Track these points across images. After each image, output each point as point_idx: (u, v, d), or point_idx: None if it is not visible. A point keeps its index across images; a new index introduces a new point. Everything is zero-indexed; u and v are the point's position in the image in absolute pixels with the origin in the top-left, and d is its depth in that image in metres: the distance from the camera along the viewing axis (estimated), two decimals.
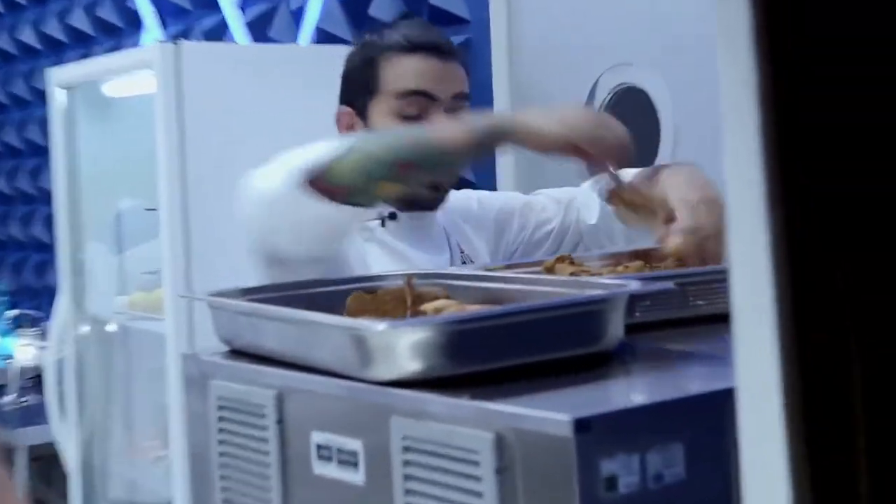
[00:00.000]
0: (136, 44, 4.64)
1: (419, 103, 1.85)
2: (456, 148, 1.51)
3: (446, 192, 1.94)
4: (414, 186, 1.66)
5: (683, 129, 2.79)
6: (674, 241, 1.49)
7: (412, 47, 1.87)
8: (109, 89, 3.76)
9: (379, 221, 1.93)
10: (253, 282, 1.69)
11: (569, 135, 1.49)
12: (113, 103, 3.82)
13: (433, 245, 1.95)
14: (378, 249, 1.89)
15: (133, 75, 3.45)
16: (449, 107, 1.86)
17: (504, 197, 2.13)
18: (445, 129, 1.53)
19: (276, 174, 1.54)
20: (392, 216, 1.93)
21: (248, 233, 1.62)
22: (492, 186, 3.05)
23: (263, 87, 3.20)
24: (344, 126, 1.93)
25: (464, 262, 1.94)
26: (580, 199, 2.01)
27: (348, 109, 1.93)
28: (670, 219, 1.52)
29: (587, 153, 1.52)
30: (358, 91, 1.91)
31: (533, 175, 3.01)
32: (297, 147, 1.57)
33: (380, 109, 1.87)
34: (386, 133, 1.62)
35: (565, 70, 3.06)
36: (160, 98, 3.09)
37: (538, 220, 2.03)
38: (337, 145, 1.54)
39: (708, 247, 1.48)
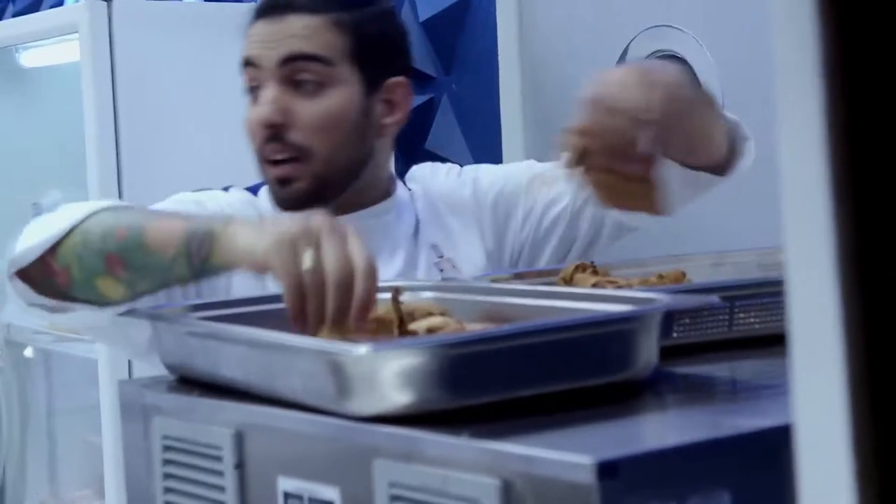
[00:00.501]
0: (58, 2, 4.64)
1: (249, 73, 1.84)
2: (168, 252, 1.44)
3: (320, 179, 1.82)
4: (137, 291, 1.53)
5: (730, 106, 2.80)
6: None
7: (255, 14, 1.87)
8: (26, 58, 3.76)
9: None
10: None
11: (253, 251, 1.36)
12: (30, 74, 3.82)
13: (381, 246, 1.83)
14: None
15: (55, 41, 3.45)
16: (280, 75, 1.81)
17: (508, 172, 2.04)
18: (166, 225, 1.47)
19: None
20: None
21: None
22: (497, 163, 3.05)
23: (214, 55, 3.20)
24: None
25: (441, 271, 1.89)
26: None
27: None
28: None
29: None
30: None
31: (546, 156, 3.02)
32: None
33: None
34: (124, 212, 1.56)
35: (588, 34, 3.06)
36: (88, 68, 3.09)
37: (546, 200, 1.96)
38: (83, 211, 1.54)
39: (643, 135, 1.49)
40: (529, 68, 3.15)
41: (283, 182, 1.80)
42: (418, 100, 3.10)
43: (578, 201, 1.93)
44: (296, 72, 1.81)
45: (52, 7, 4.53)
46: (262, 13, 1.85)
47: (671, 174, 1.65)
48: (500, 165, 2.18)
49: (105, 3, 3.11)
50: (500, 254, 1.96)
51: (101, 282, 1.51)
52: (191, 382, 1.28)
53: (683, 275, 1.53)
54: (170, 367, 1.33)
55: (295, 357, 1.14)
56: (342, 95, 1.82)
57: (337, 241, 1.28)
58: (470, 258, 1.93)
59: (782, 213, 0.67)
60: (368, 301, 1.26)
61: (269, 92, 1.80)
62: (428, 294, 1.42)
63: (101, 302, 1.53)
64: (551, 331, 1.13)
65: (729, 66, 2.80)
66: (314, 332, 1.25)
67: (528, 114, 3.14)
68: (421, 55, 3.20)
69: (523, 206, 1.96)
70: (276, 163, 1.80)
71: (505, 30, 3.17)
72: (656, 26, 2.93)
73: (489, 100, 3.19)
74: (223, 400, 1.20)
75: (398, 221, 1.92)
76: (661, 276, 1.53)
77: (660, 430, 1.12)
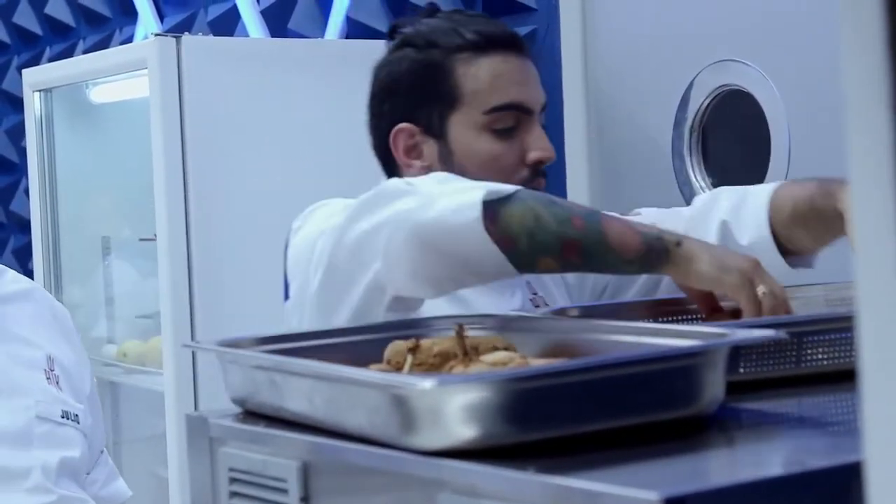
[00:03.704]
0: (128, 38, 4.70)
1: (513, 116, 1.90)
2: (627, 255, 1.55)
3: None
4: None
5: (796, 140, 2.79)
6: None
7: (487, 44, 1.89)
8: (95, 93, 3.81)
9: None
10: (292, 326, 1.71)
11: (720, 280, 1.54)
12: (100, 110, 3.87)
13: (502, 285, 1.89)
14: None
15: (124, 77, 3.49)
16: (538, 118, 1.92)
17: None
18: (620, 228, 1.56)
19: (443, 202, 1.55)
20: None
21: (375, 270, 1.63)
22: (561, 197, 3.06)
23: (282, 91, 3.23)
24: (402, 148, 1.92)
25: (536, 306, 1.92)
26: (689, 228, 1.94)
27: (409, 127, 1.92)
28: None
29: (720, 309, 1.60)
30: (423, 103, 1.91)
31: (612, 191, 3.02)
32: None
33: (463, 123, 1.89)
34: (555, 198, 1.61)
35: (652, 68, 3.06)
36: (157, 104, 3.12)
37: None
38: (494, 186, 1.56)
39: None
40: (594, 102, 3.15)
41: None
42: None
43: None
44: (541, 117, 1.94)
45: (121, 44, 4.59)
46: (512, 46, 1.92)
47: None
48: None
49: (174, 40, 3.15)
50: (581, 291, 1.98)
51: (544, 260, 1.56)
52: (257, 415, 1.29)
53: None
54: (236, 400, 1.33)
55: (360, 391, 1.14)
56: None
57: (771, 277, 1.53)
58: (554, 296, 1.97)
59: (853, 248, 0.67)
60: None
61: (541, 132, 1.92)
62: (493, 329, 1.42)
63: (523, 270, 1.59)
64: (617, 366, 1.12)
65: (795, 100, 2.79)
66: None
67: (592, 147, 3.14)
68: None
69: None
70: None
71: (569, 63, 3.18)
72: (721, 61, 2.92)
73: (554, 135, 3.18)
74: (289, 432, 1.21)
75: None
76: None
77: (726, 465, 1.12)
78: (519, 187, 1.58)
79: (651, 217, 2.01)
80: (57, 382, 2.11)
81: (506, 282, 1.89)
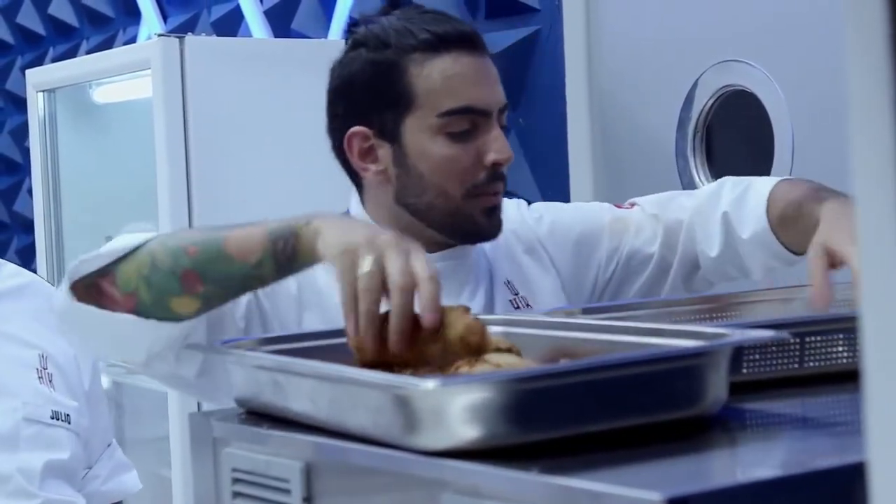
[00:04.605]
0: (131, 39, 4.70)
1: (468, 119, 1.82)
2: (252, 258, 1.50)
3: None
4: (209, 305, 1.58)
5: (800, 141, 2.79)
6: None
7: (440, 43, 1.82)
8: (99, 94, 3.81)
9: None
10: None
11: (334, 258, 1.42)
12: (103, 110, 3.87)
13: (459, 285, 1.87)
14: None
15: (128, 77, 3.49)
16: (497, 119, 1.84)
17: (586, 212, 2.04)
18: (243, 234, 1.52)
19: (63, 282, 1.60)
20: None
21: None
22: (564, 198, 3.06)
23: (285, 92, 3.23)
24: (357, 152, 1.86)
25: (516, 308, 1.88)
26: (695, 220, 1.94)
27: (363, 129, 1.85)
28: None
29: None
30: (375, 106, 1.85)
31: (616, 192, 3.02)
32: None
33: (417, 127, 1.83)
34: (183, 233, 1.61)
35: (656, 68, 3.06)
36: (160, 104, 3.13)
37: (634, 243, 1.96)
38: (137, 239, 1.57)
39: None
40: (597, 102, 3.15)
41: (493, 211, 1.85)
42: None
43: (671, 249, 1.95)
44: (501, 118, 1.87)
45: (125, 44, 4.59)
46: (467, 45, 1.86)
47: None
48: (575, 204, 2.22)
49: (177, 40, 3.15)
50: (579, 291, 1.96)
51: (174, 301, 1.54)
52: (260, 415, 1.29)
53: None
54: (240, 400, 1.33)
55: (363, 391, 1.14)
56: None
57: (401, 252, 1.36)
58: (543, 295, 1.93)
59: (857, 249, 0.67)
60: (434, 302, 1.31)
61: (499, 133, 1.84)
62: (496, 329, 1.42)
63: (169, 319, 1.56)
64: (620, 366, 1.12)
65: (799, 100, 2.78)
66: (362, 344, 1.31)
67: (596, 148, 3.14)
68: None
69: (608, 244, 1.97)
70: (491, 195, 1.85)
71: (573, 64, 3.18)
72: (725, 61, 2.92)
73: (557, 134, 3.19)
74: (292, 433, 1.21)
75: (478, 257, 1.93)
76: None
77: (729, 466, 1.12)
78: (152, 236, 1.59)
79: (649, 205, 2.00)
80: (50, 381, 2.09)
81: (462, 281, 1.87)
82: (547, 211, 2.03)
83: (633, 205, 2.01)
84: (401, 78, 1.82)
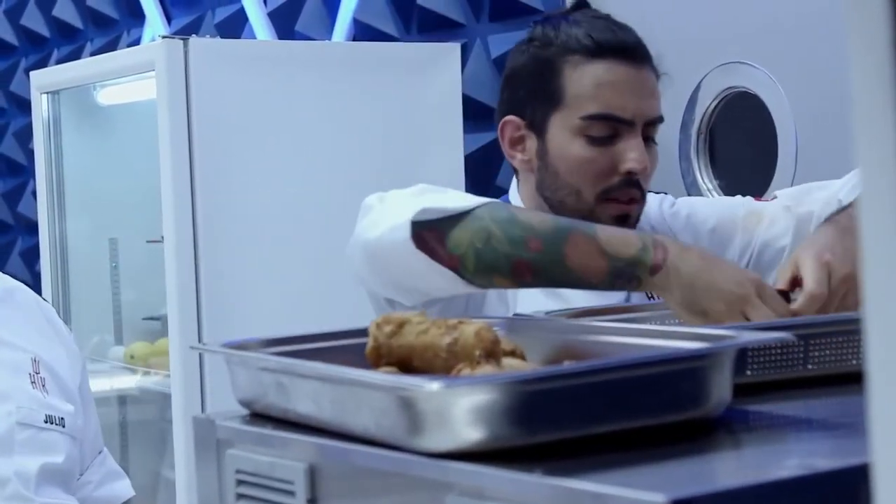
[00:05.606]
0: (135, 40, 4.71)
1: (609, 126, 1.90)
2: (590, 278, 1.57)
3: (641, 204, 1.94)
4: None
5: (803, 143, 2.79)
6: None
7: (598, 50, 1.90)
8: (103, 95, 3.82)
9: None
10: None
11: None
12: (107, 112, 3.88)
13: None
14: None
15: (132, 79, 3.49)
16: (642, 130, 1.90)
17: (723, 206, 2.11)
18: (585, 250, 1.57)
19: (386, 221, 1.62)
20: None
21: (358, 282, 1.76)
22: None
23: (289, 93, 3.23)
24: (508, 139, 1.99)
25: (650, 298, 1.89)
26: (823, 212, 1.89)
27: (515, 119, 1.98)
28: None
29: None
30: (530, 99, 1.96)
31: None
32: (416, 185, 1.68)
33: (561, 125, 1.92)
34: (519, 216, 1.63)
35: (660, 69, 3.05)
36: (164, 106, 3.13)
37: (765, 236, 2.00)
38: (465, 202, 1.60)
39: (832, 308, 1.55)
40: None
41: (624, 219, 1.91)
42: (492, 135, 3.11)
43: (799, 237, 1.96)
44: (648, 129, 1.92)
45: (129, 46, 4.60)
46: (626, 55, 1.91)
47: None
48: (713, 198, 2.39)
49: (181, 42, 3.15)
50: None
51: (498, 279, 1.61)
52: (264, 417, 1.29)
53: None
54: (243, 402, 1.33)
55: (367, 393, 1.14)
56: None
57: (775, 300, 1.52)
58: None
59: (861, 250, 0.67)
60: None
61: (638, 143, 1.90)
62: (498, 330, 1.42)
63: (480, 286, 1.64)
64: (624, 368, 1.12)
65: (802, 102, 2.78)
66: None
67: None
68: (495, 92, 3.21)
69: (740, 238, 2.02)
70: (624, 202, 1.91)
71: None
72: (729, 63, 2.92)
73: None
74: (297, 434, 1.21)
75: None
76: None
77: (733, 468, 1.12)
78: (484, 202, 1.61)
79: (785, 197, 2.01)
80: (43, 385, 2.08)
81: None
82: (685, 205, 2.10)
83: (774, 198, 2.04)
84: (556, 77, 1.92)
